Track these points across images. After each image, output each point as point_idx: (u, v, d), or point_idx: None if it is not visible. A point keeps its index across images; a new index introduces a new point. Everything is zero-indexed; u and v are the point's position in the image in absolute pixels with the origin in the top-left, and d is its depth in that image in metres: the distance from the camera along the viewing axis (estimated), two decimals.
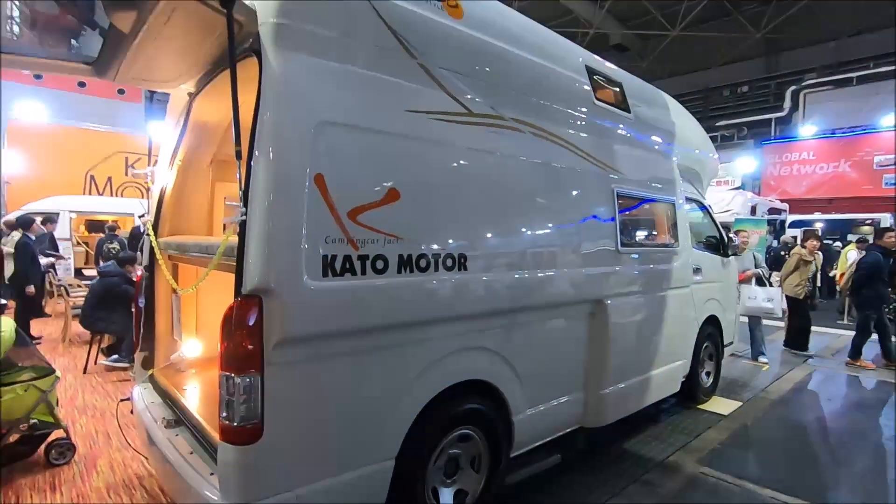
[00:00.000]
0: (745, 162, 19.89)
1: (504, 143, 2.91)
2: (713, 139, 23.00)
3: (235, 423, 1.93)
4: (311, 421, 2.10)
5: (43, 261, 8.03)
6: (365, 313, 2.19)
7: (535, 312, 3.09)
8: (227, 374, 1.94)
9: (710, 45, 22.81)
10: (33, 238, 7.41)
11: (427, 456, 2.55)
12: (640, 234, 4.07)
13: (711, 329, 5.23)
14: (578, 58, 3.67)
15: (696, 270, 4.83)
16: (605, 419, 3.62)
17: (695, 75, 24.57)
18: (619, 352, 3.67)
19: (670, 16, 20.28)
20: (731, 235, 5.41)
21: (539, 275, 3.06)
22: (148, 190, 3.49)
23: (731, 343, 5.71)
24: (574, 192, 3.37)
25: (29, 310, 7.14)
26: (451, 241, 2.54)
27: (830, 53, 20.92)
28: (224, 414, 1.95)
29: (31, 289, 6.91)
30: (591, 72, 3.71)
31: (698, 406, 5.05)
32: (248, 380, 1.92)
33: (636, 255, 3.86)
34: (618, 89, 4.01)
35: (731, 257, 5.58)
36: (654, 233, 4.28)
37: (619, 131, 3.90)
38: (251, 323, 1.92)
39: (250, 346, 1.92)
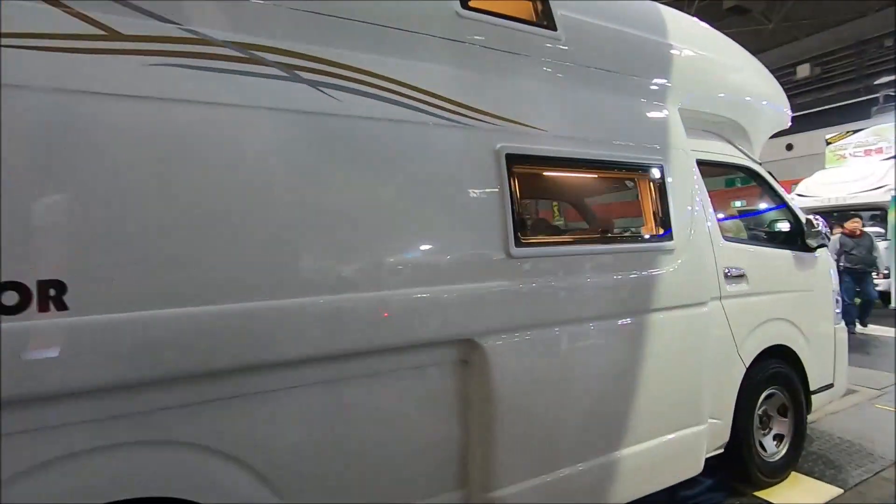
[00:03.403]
0: None
1: (202, 85, 1.67)
2: (872, 102, 18.47)
3: None
4: None
5: None
6: None
7: (302, 371, 1.78)
8: None
9: None
10: None
11: None
12: (572, 222, 2.49)
13: (780, 367, 3.31)
14: None
15: (735, 276, 3.03)
16: None
17: (842, 28, 19.89)
18: (523, 425, 2.17)
19: None
20: (812, 218, 3.42)
21: (305, 304, 1.76)
22: None
23: (831, 386, 3.64)
24: (397, 160, 2.00)
25: None
26: (20, 256, 1.40)
27: None
28: None
29: None
30: None
31: (756, 493, 3.16)
32: None
33: (557, 259, 2.31)
34: None
35: (819, 251, 3.55)
36: (610, 218, 2.66)
37: (526, 60, 2.40)
38: None
39: None
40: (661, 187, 2.67)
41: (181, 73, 1.66)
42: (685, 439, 2.73)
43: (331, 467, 1.85)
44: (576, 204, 2.70)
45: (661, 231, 2.64)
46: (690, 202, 2.80)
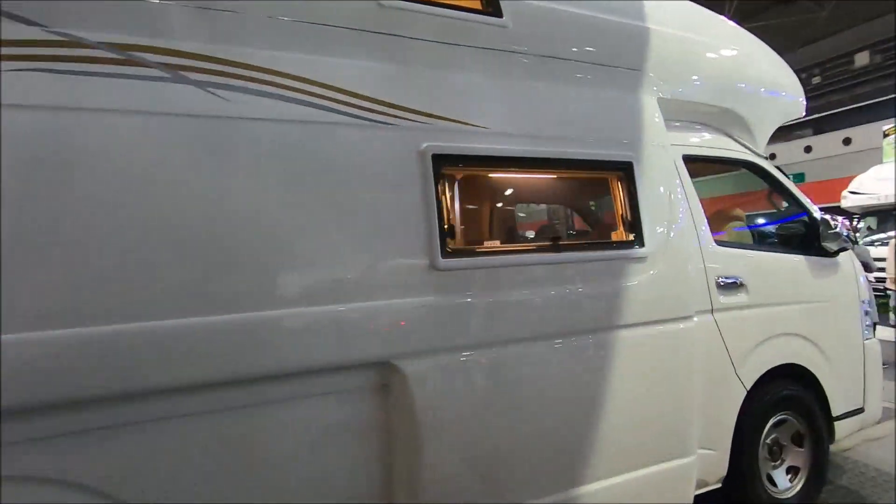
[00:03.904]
0: None
1: (73, 90, 1.55)
2: None
3: None
4: None
5: None
6: None
7: (186, 400, 1.61)
8: None
9: None
10: None
11: None
12: (514, 228, 2.23)
13: (792, 389, 2.89)
14: None
15: (730, 286, 2.67)
16: None
17: None
18: (455, 460, 1.93)
19: None
20: (830, 218, 2.98)
21: (190, 325, 1.60)
22: None
23: (861, 411, 3.16)
24: (300, 163, 1.81)
25: None
26: None
27: None
28: None
29: None
30: None
31: None
32: None
33: (495, 271, 2.05)
34: None
35: (841, 256, 3.10)
36: (566, 223, 2.36)
37: (465, 51, 2.16)
38: None
39: None
40: (630, 187, 2.35)
41: (49, 78, 1.55)
42: (667, 473, 2.39)
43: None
44: (523, 208, 2.44)
45: (630, 236, 2.33)
46: (669, 203, 2.47)
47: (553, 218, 2.58)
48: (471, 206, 2.11)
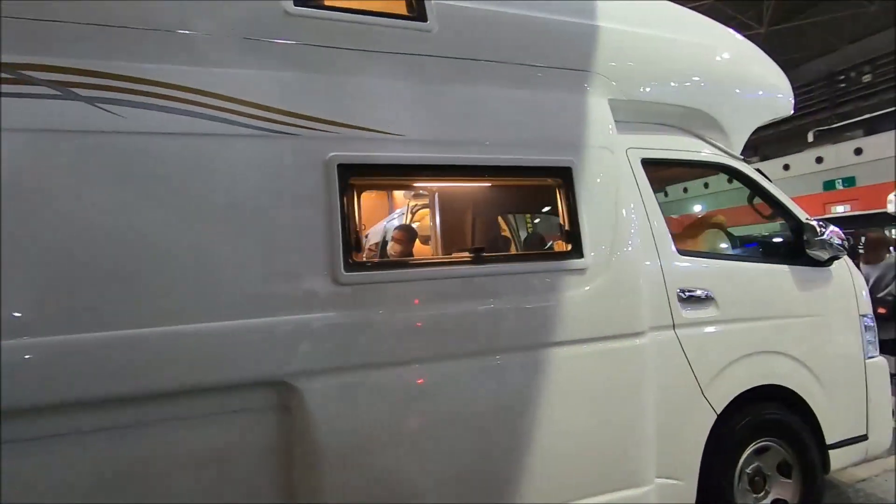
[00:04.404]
0: None
1: None
2: None
3: None
4: None
5: None
6: None
7: (61, 419, 1.58)
8: None
9: None
10: None
11: None
12: (431, 239, 2.10)
13: (776, 413, 2.62)
14: None
15: (695, 299, 2.45)
16: None
17: None
18: (360, 489, 1.81)
19: None
20: (817, 224, 2.69)
21: (70, 342, 1.59)
22: None
23: (864, 438, 2.82)
24: (195, 177, 1.77)
25: None
26: None
27: None
28: None
29: None
30: None
31: None
32: None
33: (406, 285, 1.94)
34: None
35: (836, 265, 2.80)
36: (489, 233, 2.22)
37: (383, 57, 2.07)
38: None
39: None
40: (568, 193, 2.20)
41: None
42: None
43: None
44: (442, 217, 2.31)
45: (567, 246, 2.17)
46: (615, 210, 2.29)
47: (476, 228, 2.45)
48: (380, 218, 2.01)
